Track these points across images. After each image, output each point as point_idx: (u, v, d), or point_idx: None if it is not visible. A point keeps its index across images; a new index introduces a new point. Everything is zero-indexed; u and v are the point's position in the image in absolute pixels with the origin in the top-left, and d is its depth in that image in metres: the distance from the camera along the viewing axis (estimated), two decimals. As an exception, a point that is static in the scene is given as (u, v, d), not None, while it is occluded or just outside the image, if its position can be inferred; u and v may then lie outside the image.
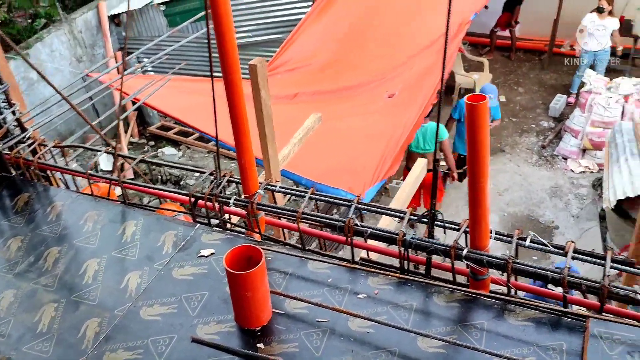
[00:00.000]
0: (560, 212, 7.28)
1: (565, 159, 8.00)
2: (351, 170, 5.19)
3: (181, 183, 8.84)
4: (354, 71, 7.05)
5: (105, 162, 9.05)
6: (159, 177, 9.03)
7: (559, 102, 8.83)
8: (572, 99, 8.83)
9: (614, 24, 8.22)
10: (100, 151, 3.05)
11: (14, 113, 3.00)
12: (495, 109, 6.52)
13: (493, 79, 9.46)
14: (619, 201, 5.40)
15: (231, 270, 1.93)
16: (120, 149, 3.16)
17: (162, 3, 9.21)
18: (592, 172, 7.68)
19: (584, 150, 7.83)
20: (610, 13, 8.24)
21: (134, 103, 4.82)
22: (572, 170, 7.80)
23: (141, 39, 9.63)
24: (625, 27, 8.87)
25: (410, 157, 6.67)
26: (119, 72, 3.60)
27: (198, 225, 2.56)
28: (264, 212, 2.54)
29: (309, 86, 6.99)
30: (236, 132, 2.36)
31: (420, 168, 4.40)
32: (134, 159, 2.89)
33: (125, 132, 9.76)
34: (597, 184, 7.02)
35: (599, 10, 8.23)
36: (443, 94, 7.85)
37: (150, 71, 9.68)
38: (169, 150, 9.77)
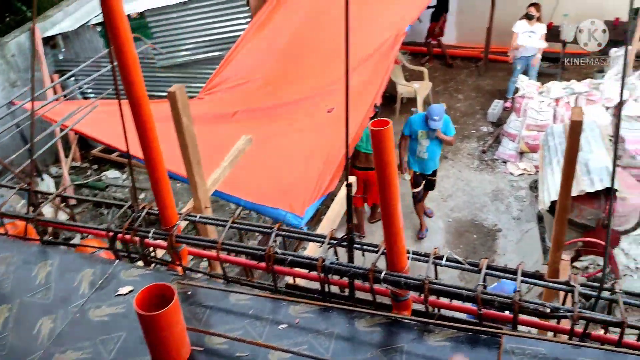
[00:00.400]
0: (502, 215, 7.46)
1: (504, 162, 8.22)
2: (291, 188, 5.18)
3: (127, 203, 8.65)
4: (293, 87, 7.06)
5: (49, 186, 8.75)
6: (104, 200, 8.80)
7: (496, 107, 9.08)
8: (508, 104, 9.09)
9: (542, 29, 8.54)
10: (14, 188, 2.93)
11: None
12: (447, 125, 6.65)
13: (433, 86, 9.67)
14: (553, 202, 5.56)
15: (141, 312, 1.87)
16: (36, 185, 3.04)
17: (99, 24, 9.01)
18: (530, 174, 7.92)
19: (521, 153, 8.06)
20: (539, 19, 8.55)
21: (61, 130, 4.66)
22: (511, 173, 8.02)
23: (78, 60, 9.40)
24: (554, 33, 9.22)
25: (356, 156, 6.87)
26: (55, 94, 3.48)
27: (117, 261, 2.49)
28: (184, 244, 2.49)
29: (248, 104, 6.95)
30: (149, 164, 2.31)
31: (344, 194, 4.39)
32: (50, 194, 2.79)
33: (67, 156, 9.48)
34: (534, 186, 7.23)
35: (528, 17, 8.52)
36: (384, 104, 7.97)
37: (89, 92, 9.45)
38: (112, 173, 9.54)
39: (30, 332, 2.21)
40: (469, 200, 7.75)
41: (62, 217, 7.91)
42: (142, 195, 8.65)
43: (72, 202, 8.30)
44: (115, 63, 2.11)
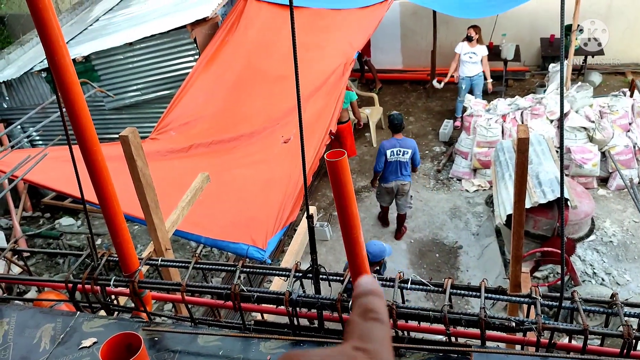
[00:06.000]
0: (462, 232, 7.60)
1: (459, 180, 8.41)
2: (252, 221, 5.14)
3: (84, 250, 8.39)
4: (247, 119, 7.07)
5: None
6: (59, 249, 8.52)
7: (447, 127, 9.32)
8: (458, 123, 9.35)
9: (482, 50, 8.87)
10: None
11: None
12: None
13: (384, 110, 9.86)
14: (509, 215, 5.71)
15: (107, 364, 1.82)
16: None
17: (43, 69, 8.85)
18: (484, 189, 8.12)
19: (474, 170, 8.27)
20: (479, 40, 8.89)
21: (10, 181, 4.52)
22: (467, 190, 8.20)
23: (24, 108, 9.17)
24: (495, 52, 9.61)
25: None
26: (2, 145, 3.37)
27: (78, 313, 2.41)
28: (148, 290, 2.44)
29: (203, 138, 6.92)
30: (105, 211, 2.27)
31: (305, 228, 4.41)
32: (2, 249, 2.69)
33: (16, 207, 9.16)
34: (490, 201, 7.41)
35: (469, 39, 8.85)
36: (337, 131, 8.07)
37: (37, 140, 9.22)
38: (66, 221, 9.26)
39: (-11, 397, 2.11)
40: (428, 220, 7.87)
41: (16, 270, 7.61)
42: (98, 241, 8.43)
43: (25, 254, 8.01)
44: (64, 109, 2.08)
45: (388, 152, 6.87)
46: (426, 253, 7.34)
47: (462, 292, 2.15)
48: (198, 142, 6.78)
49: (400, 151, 6.88)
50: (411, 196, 7.38)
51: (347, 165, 1.93)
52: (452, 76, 9.29)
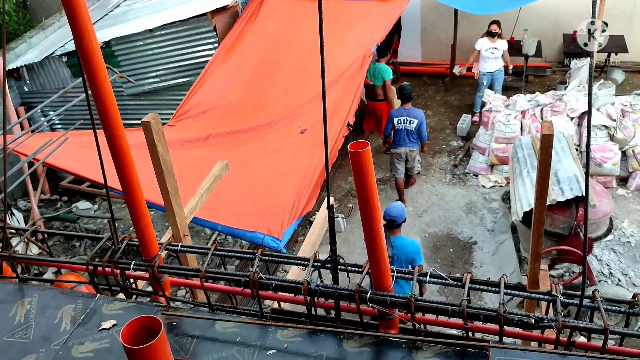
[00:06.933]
0: (477, 227, 7.56)
1: (476, 175, 8.35)
2: (268, 210, 5.17)
3: (100, 234, 8.49)
4: (265, 109, 7.09)
5: (18, 221, 8.54)
6: (75, 232, 8.62)
7: (465, 121, 9.25)
8: (476, 118, 9.27)
9: (503, 45, 8.78)
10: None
11: None
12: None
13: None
14: (526, 212, 5.68)
15: (127, 346, 1.84)
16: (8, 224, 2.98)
17: (64, 54, 8.92)
18: (501, 185, 8.06)
19: (492, 166, 8.21)
20: (500, 36, 8.80)
21: (31, 164, 4.58)
22: (483, 186, 8.15)
23: (45, 92, 9.27)
24: (516, 47, 9.50)
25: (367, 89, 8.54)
26: (23, 129, 3.42)
27: (99, 295, 2.44)
28: (167, 275, 2.46)
29: (221, 127, 6.95)
30: (128, 196, 2.29)
31: (324, 216, 4.40)
32: (25, 230, 2.73)
33: (35, 189, 9.28)
34: (506, 197, 7.36)
35: (490, 34, 8.76)
36: (354, 124, 8.06)
37: (57, 124, 9.30)
38: (83, 205, 9.36)
39: (11, 374, 2.15)
40: (443, 215, 7.84)
41: (34, 251, 7.73)
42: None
43: (42, 236, 8.11)
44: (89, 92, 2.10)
45: (395, 120, 7.54)
46: (440, 248, 7.31)
47: (481, 287, 2.14)
48: (216, 132, 6.81)
49: (407, 120, 7.51)
50: (418, 160, 8.12)
51: (370, 157, 1.93)
52: (471, 71, 9.19)
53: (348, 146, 1.92)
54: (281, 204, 5.15)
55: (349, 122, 6.38)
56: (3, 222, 2.68)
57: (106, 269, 2.48)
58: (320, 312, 2.39)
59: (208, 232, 7.79)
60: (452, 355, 2.02)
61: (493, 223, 7.51)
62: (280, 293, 2.40)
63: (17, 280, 2.60)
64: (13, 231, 4.50)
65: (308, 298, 2.23)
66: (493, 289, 2.12)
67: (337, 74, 7.16)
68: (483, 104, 8.57)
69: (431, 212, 7.91)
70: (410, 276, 2.20)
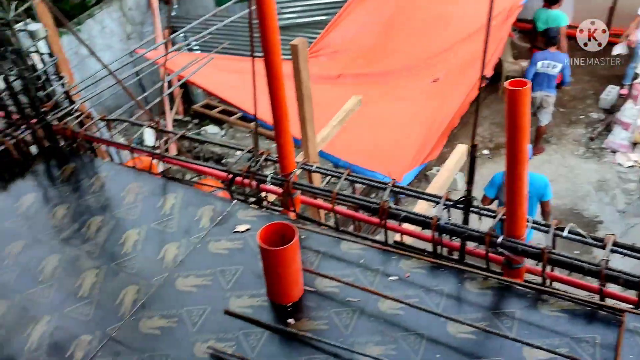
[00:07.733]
0: (606, 207, 7.06)
1: (614, 152, 7.72)
2: (390, 153, 5.17)
3: (222, 161, 8.97)
4: (397, 55, 6.97)
5: (150, 136, 9.25)
6: (201, 155, 9.19)
7: (610, 93, 8.50)
8: (624, 91, 8.48)
9: (673, 12, 7.86)
10: (143, 125, 3.12)
11: (63, 85, 3.10)
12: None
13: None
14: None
15: (265, 246, 1.96)
16: (164, 126, 3.22)
17: (210, -17, 9.30)
18: (641, 166, 7.41)
19: (634, 144, 7.55)
20: (671, 1, 7.87)
21: (178, 80, 4.89)
22: (620, 164, 7.53)
23: (189, 17, 9.74)
24: (687, 16, 8.45)
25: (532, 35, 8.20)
26: (166, 49, 3.67)
27: (235, 201, 2.61)
28: (299, 191, 2.56)
29: (352, 68, 6.96)
30: (275, 113, 2.38)
31: (459, 154, 4.31)
32: (175, 134, 2.95)
33: (171, 109, 9.94)
34: (647, 179, 6.78)
35: (659, -2, 7.86)
36: (489, 82, 7.71)
37: (196, 49, 9.80)
38: (212, 129, 9.90)
39: (155, 257, 2.38)
40: (570, 188, 7.38)
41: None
42: (237, 153, 8.93)
43: (173, 151, 8.73)
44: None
45: (539, 64, 7.22)
46: (561, 221, 6.93)
47: (625, 251, 2.01)
48: (347, 72, 6.83)
49: (550, 64, 7.20)
50: (552, 111, 7.60)
51: (528, 97, 1.84)
52: (628, 39, 8.35)
53: (506, 83, 1.85)
54: (404, 149, 5.13)
55: (485, 75, 6.11)
56: (157, 124, 2.90)
57: (245, 179, 2.63)
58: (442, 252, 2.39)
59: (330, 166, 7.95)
60: (581, 314, 1.95)
61: (626, 204, 6.97)
62: (406, 226, 2.42)
63: (164, 177, 2.84)
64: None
65: (436, 234, 2.22)
66: (638, 255, 1.99)
67: (479, 25, 6.82)
68: (635, 76, 7.80)
69: (557, 183, 7.47)
70: (547, 228, 2.12)
